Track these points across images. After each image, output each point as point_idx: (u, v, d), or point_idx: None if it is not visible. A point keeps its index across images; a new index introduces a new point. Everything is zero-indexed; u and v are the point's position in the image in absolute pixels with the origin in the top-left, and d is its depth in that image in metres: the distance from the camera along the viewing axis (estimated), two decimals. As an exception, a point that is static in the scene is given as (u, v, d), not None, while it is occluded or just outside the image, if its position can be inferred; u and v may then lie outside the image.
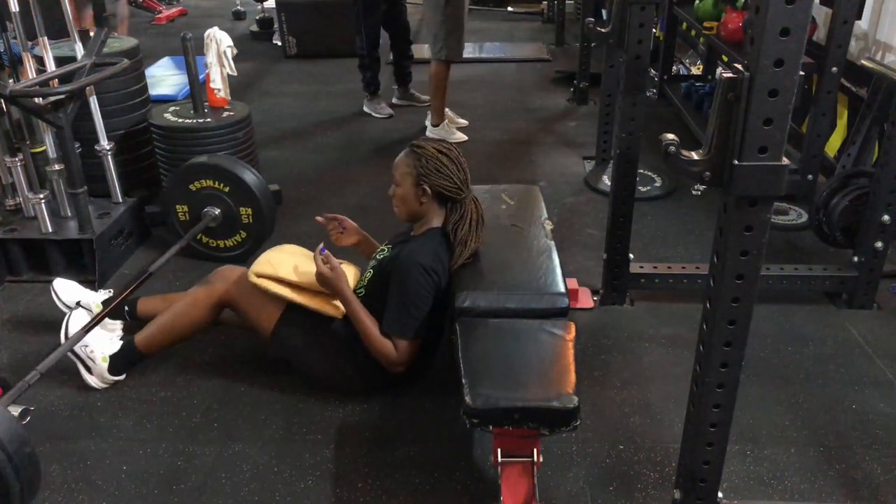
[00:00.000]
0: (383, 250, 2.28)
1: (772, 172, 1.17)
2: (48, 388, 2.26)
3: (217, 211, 2.89)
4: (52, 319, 2.61)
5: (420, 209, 2.16)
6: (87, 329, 2.14)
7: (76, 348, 2.20)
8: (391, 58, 4.97)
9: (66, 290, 2.47)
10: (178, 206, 2.92)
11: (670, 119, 4.55)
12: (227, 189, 2.86)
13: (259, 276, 2.15)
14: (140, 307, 2.47)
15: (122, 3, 6.28)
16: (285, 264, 2.18)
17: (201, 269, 2.94)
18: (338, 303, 2.14)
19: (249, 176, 2.88)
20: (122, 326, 2.48)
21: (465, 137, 4.32)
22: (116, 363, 2.25)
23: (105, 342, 2.26)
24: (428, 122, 4.41)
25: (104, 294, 2.52)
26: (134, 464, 1.99)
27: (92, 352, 2.22)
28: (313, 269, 2.10)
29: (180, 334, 2.28)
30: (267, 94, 5.28)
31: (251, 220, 2.91)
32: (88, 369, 2.23)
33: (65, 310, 2.42)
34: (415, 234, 2.21)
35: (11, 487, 1.61)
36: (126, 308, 2.46)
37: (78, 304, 2.44)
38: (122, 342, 2.27)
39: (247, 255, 2.90)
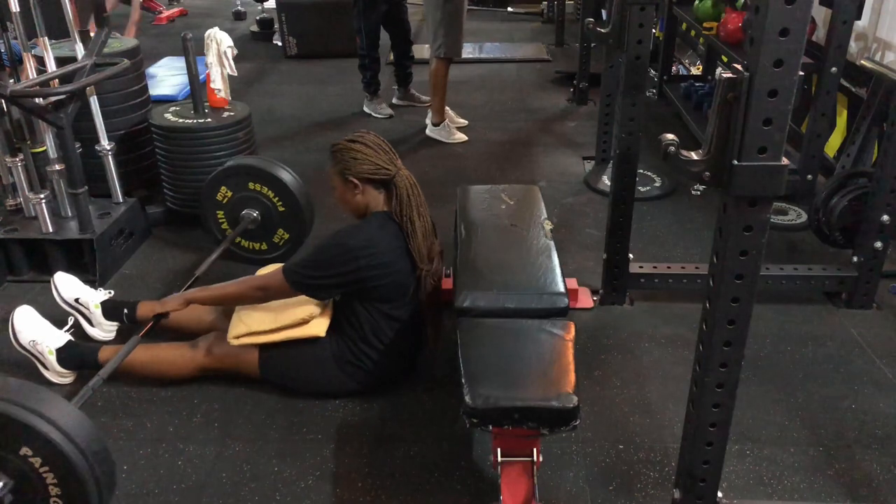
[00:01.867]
0: None
1: (771, 172, 1.17)
2: (48, 387, 2.25)
3: (255, 213, 2.85)
4: (53, 319, 2.61)
5: (360, 201, 2.18)
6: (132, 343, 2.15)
7: (26, 345, 2.24)
8: (391, 58, 4.97)
9: (66, 284, 2.47)
10: (217, 211, 2.89)
11: (670, 119, 4.55)
12: (265, 190, 2.83)
13: (237, 337, 2.18)
14: (140, 310, 2.46)
15: (135, 6, 6.29)
16: (254, 317, 2.20)
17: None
18: (315, 321, 2.17)
19: (286, 175, 2.84)
20: (116, 328, 2.48)
21: (465, 137, 4.33)
22: (65, 356, 2.24)
23: (53, 337, 2.26)
24: (428, 122, 4.41)
25: (103, 294, 2.52)
26: (134, 464, 1.99)
27: (41, 345, 2.23)
28: (277, 310, 2.18)
29: (151, 375, 2.27)
30: (267, 94, 5.28)
31: (289, 221, 2.88)
32: (44, 365, 2.25)
33: (63, 306, 2.43)
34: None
35: (89, 487, 1.59)
36: (125, 311, 2.46)
37: (77, 300, 2.45)
38: (70, 339, 2.28)
39: (286, 257, 2.80)
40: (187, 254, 3.08)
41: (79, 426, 1.60)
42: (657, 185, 3.64)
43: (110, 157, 2.99)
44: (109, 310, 2.46)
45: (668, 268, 2.70)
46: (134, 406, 2.20)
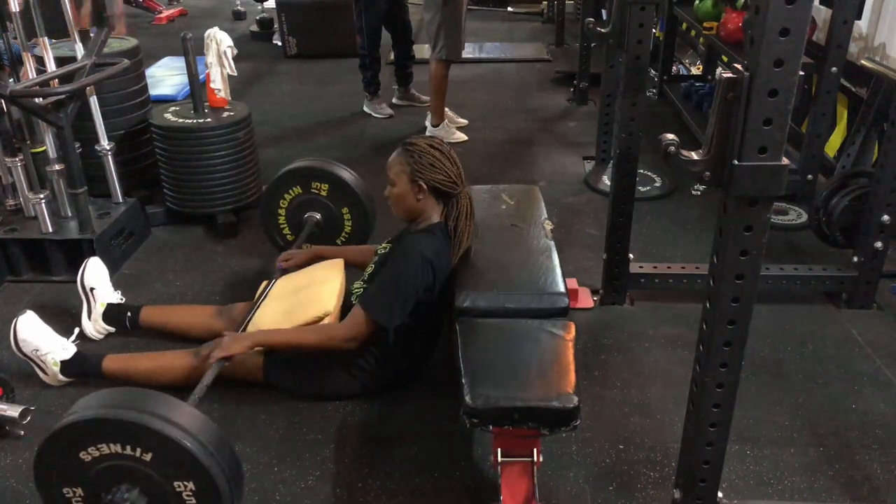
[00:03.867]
0: (385, 247, 2.29)
1: (772, 172, 1.17)
2: (48, 387, 2.26)
3: (318, 216, 2.78)
4: (53, 319, 2.61)
5: (417, 206, 2.16)
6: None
7: (29, 353, 2.20)
8: (392, 58, 4.97)
9: (93, 270, 2.47)
10: (279, 220, 2.82)
11: (670, 119, 4.55)
12: (326, 191, 2.75)
13: (256, 346, 2.11)
14: (143, 316, 2.45)
15: (117, 1, 6.27)
16: (267, 318, 2.20)
17: (200, 268, 2.95)
18: (328, 320, 2.15)
19: (346, 174, 2.78)
20: (108, 332, 2.49)
21: (465, 137, 4.32)
22: (70, 369, 2.22)
23: (58, 347, 2.22)
24: (428, 123, 4.41)
25: (115, 297, 2.51)
26: (134, 464, 1.99)
27: (44, 355, 2.20)
28: (291, 309, 2.18)
29: (152, 383, 2.15)
30: (267, 94, 5.28)
31: (353, 220, 2.81)
32: (43, 371, 2.23)
33: (80, 293, 2.44)
34: (413, 231, 2.21)
35: (222, 490, 1.58)
36: (129, 314, 2.45)
37: (92, 290, 2.45)
38: (76, 351, 2.24)
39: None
40: (187, 254, 3.08)
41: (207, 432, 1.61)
42: (657, 185, 3.64)
43: (110, 157, 2.99)
44: (113, 314, 2.45)
45: (669, 268, 2.70)
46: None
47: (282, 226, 2.84)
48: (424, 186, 2.12)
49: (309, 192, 2.76)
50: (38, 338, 2.21)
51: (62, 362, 2.20)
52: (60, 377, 2.22)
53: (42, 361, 2.21)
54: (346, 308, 2.23)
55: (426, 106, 4.67)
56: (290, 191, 2.77)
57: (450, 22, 4.02)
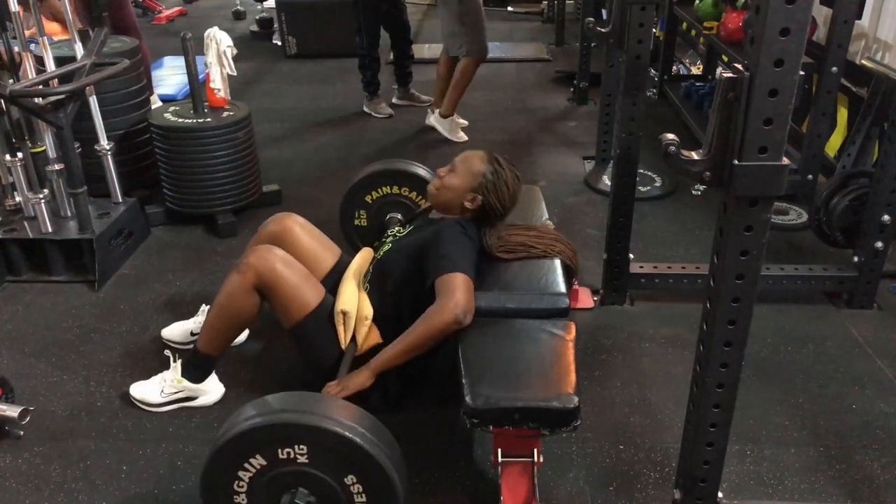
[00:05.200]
0: (399, 230, 2.27)
1: (772, 172, 1.17)
2: (48, 387, 2.26)
3: (399, 216, 2.71)
4: (52, 320, 2.61)
5: (458, 204, 2.16)
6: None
7: (168, 398, 2.15)
8: (391, 58, 4.97)
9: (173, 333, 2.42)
10: (356, 217, 2.75)
11: (670, 119, 4.55)
12: (405, 192, 2.70)
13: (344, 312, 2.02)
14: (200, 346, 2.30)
15: None
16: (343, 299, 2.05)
17: (199, 268, 2.95)
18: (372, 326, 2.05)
19: (423, 172, 2.70)
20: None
21: (466, 138, 4.32)
22: (191, 374, 2.15)
23: (169, 373, 2.16)
24: (435, 111, 4.38)
25: (193, 322, 2.47)
26: (134, 464, 1.99)
27: (171, 384, 2.15)
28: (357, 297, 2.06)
29: (234, 327, 2.13)
30: (267, 94, 5.28)
31: None
32: (193, 398, 2.17)
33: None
34: (435, 217, 2.19)
35: (398, 488, 1.56)
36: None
37: (192, 333, 2.42)
38: (182, 358, 2.19)
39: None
40: (187, 254, 3.07)
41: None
42: (657, 185, 3.64)
43: (110, 157, 2.99)
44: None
45: (669, 268, 2.70)
46: (134, 406, 2.19)
47: (361, 225, 2.76)
48: (479, 198, 2.13)
49: (390, 193, 2.71)
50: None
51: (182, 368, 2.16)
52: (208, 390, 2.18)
53: (184, 396, 2.17)
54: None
55: (426, 105, 4.68)
56: (373, 192, 2.71)
57: (467, 20, 4.04)
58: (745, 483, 1.91)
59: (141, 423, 2.13)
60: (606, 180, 3.59)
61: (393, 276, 2.11)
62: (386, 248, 2.22)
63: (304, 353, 2.13)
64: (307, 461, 1.55)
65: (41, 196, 2.78)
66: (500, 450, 1.72)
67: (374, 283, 2.13)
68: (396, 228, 2.32)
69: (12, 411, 2.02)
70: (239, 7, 7.64)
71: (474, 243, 2.06)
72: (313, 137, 4.42)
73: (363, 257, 2.25)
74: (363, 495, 1.57)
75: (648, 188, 3.60)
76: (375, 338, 2.04)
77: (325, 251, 2.31)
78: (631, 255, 2.65)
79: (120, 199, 3.06)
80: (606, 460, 1.99)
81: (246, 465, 1.56)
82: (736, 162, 1.17)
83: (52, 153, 2.78)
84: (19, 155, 2.81)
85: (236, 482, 1.58)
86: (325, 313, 2.04)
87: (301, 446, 1.53)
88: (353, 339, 2.03)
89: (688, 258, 2.89)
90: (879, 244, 2.52)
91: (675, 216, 3.37)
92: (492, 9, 8.07)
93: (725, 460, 1.50)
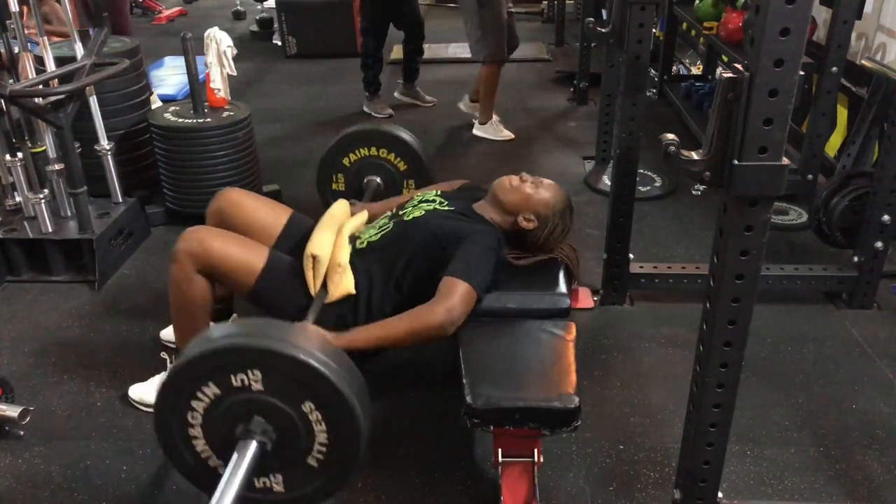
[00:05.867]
0: (433, 197, 2.18)
1: (772, 172, 1.17)
2: (48, 387, 2.26)
3: (378, 179, 2.64)
4: (52, 320, 2.62)
5: (514, 213, 2.12)
6: None
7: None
8: (392, 57, 4.98)
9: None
10: (333, 181, 2.69)
11: (670, 119, 4.55)
12: (385, 154, 2.63)
13: (313, 255, 1.98)
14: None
15: None
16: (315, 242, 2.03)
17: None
18: (348, 275, 1.99)
19: (403, 134, 2.65)
20: None
21: (513, 135, 4.32)
22: None
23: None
24: (475, 121, 4.43)
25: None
26: (134, 464, 1.99)
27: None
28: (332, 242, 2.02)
29: (196, 317, 2.02)
30: (267, 94, 5.28)
31: (415, 183, 2.68)
32: None
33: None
34: (478, 212, 2.15)
35: (359, 414, 1.44)
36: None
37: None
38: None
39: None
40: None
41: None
42: (657, 185, 3.64)
43: (110, 157, 2.99)
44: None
45: (669, 268, 2.70)
46: (134, 406, 2.19)
47: (338, 189, 2.72)
48: (531, 226, 2.12)
49: (370, 156, 2.66)
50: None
51: None
52: None
53: None
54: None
55: (429, 106, 4.70)
56: (350, 155, 2.67)
57: (488, 23, 4.09)
58: (745, 483, 1.91)
59: (141, 423, 2.13)
60: (606, 180, 3.59)
61: (413, 243, 2.02)
62: (417, 213, 2.12)
63: (269, 314, 2.04)
64: (262, 388, 1.43)
65: (41, 196, 2.78)
66: (500, 450, 1.72)
67: (389, 240, 2.05)
68: (431, 194, 2.22)
69: (12, 411, 2.02)
70: (239, 7, 7.65)
71: (499, 263, 2.04)
72: (313, 137, 4.42)
73: (342, 209, 2.22)
74: (322, 423, 1.45)
75: (648, 188, 3.60)
76: (349, 287, 1.98)
77: (274, 213, 2.27)
78: (631, 255, 2.65)
79: (120, 199, 3.06)
80: (606, 460, 1.99)
81: (199, 395, 1.45)
82: (736, 162, 1.17)
83: (52, 153, 2.78)
84: (19, 155, 2.81)
85: (190, 413, 1.48)
86: (278, 268, 2.01)
87: (255, 371, 1.42)
88: (324, 284, 1.98)
89: (688, 258, 2.89)
90: (879, 244, 2.52)
91: (675, 216, 3.37)
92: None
93: (725, 460, 1.50)
